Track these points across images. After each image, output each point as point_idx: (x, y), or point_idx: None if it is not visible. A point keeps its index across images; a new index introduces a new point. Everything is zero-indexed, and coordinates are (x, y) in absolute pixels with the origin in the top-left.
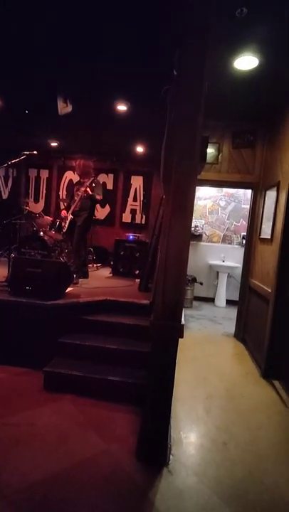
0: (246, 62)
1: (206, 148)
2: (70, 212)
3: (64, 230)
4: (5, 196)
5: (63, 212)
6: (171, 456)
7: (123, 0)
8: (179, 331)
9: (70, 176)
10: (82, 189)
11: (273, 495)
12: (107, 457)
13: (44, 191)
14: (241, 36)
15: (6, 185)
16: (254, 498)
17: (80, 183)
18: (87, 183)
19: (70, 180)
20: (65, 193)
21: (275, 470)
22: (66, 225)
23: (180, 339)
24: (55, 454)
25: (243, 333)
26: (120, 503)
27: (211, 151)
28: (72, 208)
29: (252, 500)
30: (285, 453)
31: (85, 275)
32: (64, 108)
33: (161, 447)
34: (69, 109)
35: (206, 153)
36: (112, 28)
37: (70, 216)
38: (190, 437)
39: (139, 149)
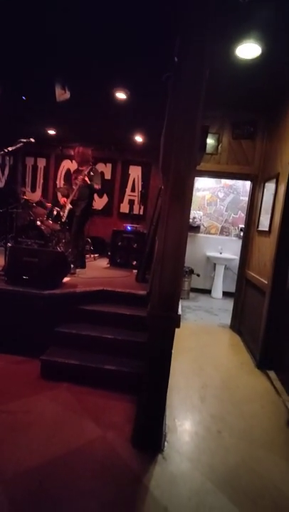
0: (248, 50)
1: (206, 138)
2: (68, 201)
3: (63, 220)
4: (1, 185)
5: (63, 200)
6: (165, 443)
7: None
8: (175, 321)
9: (68, 165)
10: (80, 177)
11: (265, 482)
12: (103, 444)
13: (41, 180)
14: (244, 23)
15: (3, 174)
16: (247, 484)
17: (78, 171)
18: (85, 172)
19: (68, 170)
20: (62, 182)
21: (268, 458)
22: (65, 215)
23: (176, 329)
24: (52, 441)
25: (238, 324)
26: (116, 488)
27: (210, 141)
28: (70, 197)
29: (244, 486)
30: (278, 442)
31: (83, 265)
32: (62, 95)
33: (156, 434)
34: (67, 95)
35: (205, 143)
36: (112, 13)
37: (69, 205)
38: (185, 425)
39: (138, 139)
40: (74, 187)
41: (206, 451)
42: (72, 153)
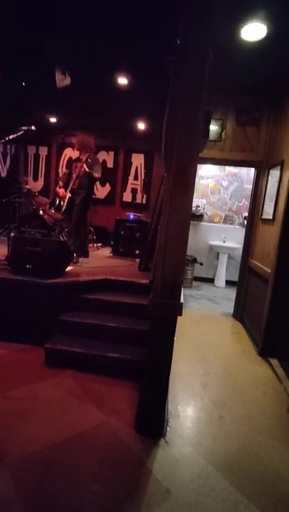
0: (254, 31)
1: (209, 124)
2: (68, 190)
3: (63, 209)
4: (3, 174)
5: (61, 191)
6: (168, 428)
7: None
8: (177, 309)
9: (70, 153)
10: (79, 165)
11: (265, 465)
12: (106, 429)
13: (43, 169)
14: (250, 0)
15: (5, 163)
16: (247, 467)
17: (78, 160)
18: (84, 159)
19: (70, 158)
20: (64, 170)
21: (269, 443)
22: (64, 204)
23: (179, 318)
24: (56, 426)
25: (241, 312)
26: (119, 471)
27: (214, 127)
28: (70, 185)
29: (245, 469)
30: (278, 427)
31: (86, 254)
32: (62, 80)
33: (158, 419)
34: (67, 81)
35: (208, 130)
36: None
37: (69, 194)
38: (187, 411)
39: (141, 126)
40: (73, 175)
41: (207, 435)
42: (74, 141)
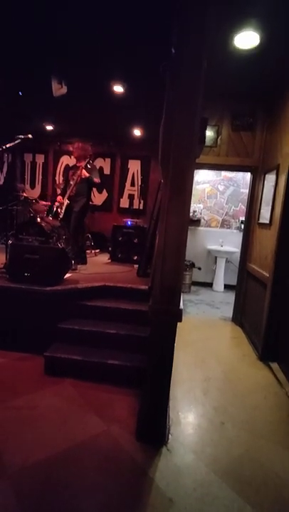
0: (247, 39)
1: (205, 130)
2: (66, 197)
3: (60, 217)
4: (0, 182)
5: (59, 198)
6: (169, 436)
7: None
8: (177, 315)
9: (67, 160)
10: (78, 172)
11: (268, 471)
12: (107, 437)
13: (40, 176)
14: (242, 10)
15: (1, 171)
16: (250, 474)
17: (75, 167)
18: (82, 165)
19: (67, 165)
20: (61, 178)
21: (271, 448)
22: (62, 211)
23: (178, 323)
24: (57, 435)
25: (240, 317)
26: (121, 480)
27: (209, 133)
28: (68, 192)
29: (248, 476)
30: (280, 432)
31: (84, 261)
32: (59, 89)
33: (159, 427)
34: (64, 90)
35: (204, 136)
36: (107, 3)
37: (67, 201)
38: (188, 417)
39: (137, 133)
40: (71, 182)
41: (209, 442)
42: (71, 148)
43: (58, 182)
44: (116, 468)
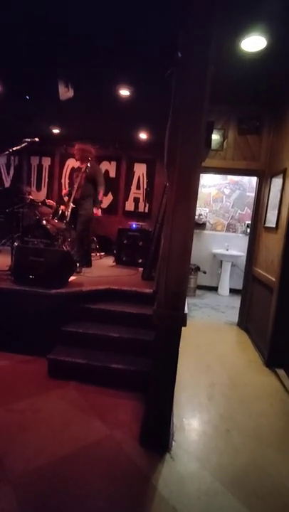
0: (254, 42)
1: (211, 134)
2: (71, 200)
3: (67, 220)
4: (7, 184)
5: (62, 207)
6: (173, 442)
7: None
8: (181, 320)
9: (72, 163)
10: (80, 175)
11: (275, 481)
12: (110, 442)
13: (46, 179)
14: (249, 15)
15: (8, 174)
16: (256, 484)
17: (79, 169)
18: (83, 168)
19: (73, 168)
20: (67, 181)
21: (278, 457)
22: (68, 214)
23: (183, 327)
24: (60, 439)
25: (246, 321)
26: (124, 487)
27: (216, 137)
28: (73, 195)
29: (254, 486)
30: (287, 441)
31: (88, 264)
32: (65, 93)
33: (163, 433)
34: (70, 94)
35: (211, 140)
36: (113, 8)
37: (72, 205)
38: (192, 424)
39: (143, 136)
40: (75, 185)
41: (214, 450)
42: (73, 151)
43: (64, 191)
44: (119, 475)
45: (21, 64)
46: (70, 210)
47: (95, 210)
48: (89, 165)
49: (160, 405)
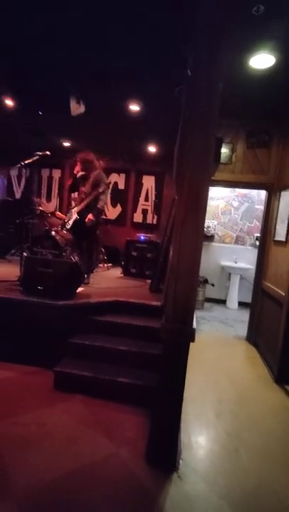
0: (262, 60)
1: (220, 149)
2: (75, 211)
3: (68, 227)
4: (18, 196)
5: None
6: (180, 461)
7: None
8: (190, 335)
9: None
10: (84, 190)
11: (286, 505)
12: (116, 460)
13: (56, 191)
14: (258, 34)
15: (19, 185)
16: (266, 507)
17: (84, 178)
18: (89, 182)
19: (74, 176)
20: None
21: (288, 479)
22: (70, 222)
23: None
24: (65, 455)
25: (255, 336)
26: (130, 507)
27: (224, 151)
28: (78, 207)
29: (264, 509)
30: None
31: (93, 266)
32: (77, 109)
33: (170, 451)
34: (82, 109)
35: (219, 155)
36: (125, 28)
37: (76, 216)
38: (200, 442)
39: (151, 149)
40: (82, 195)
41: (222, 471)
42: (76, 159)
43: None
44: (125, 495)
45: (35, 80)
46: (72, 221)
47: (90, 216)
48: (90, 178)
49: (167, 422)
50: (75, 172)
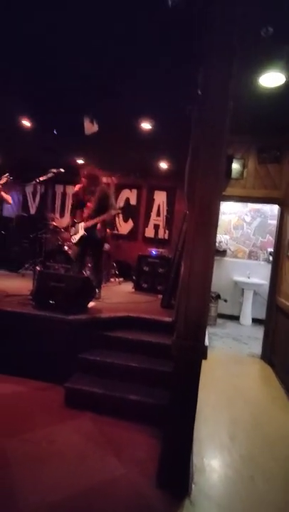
0: (272, 78)
1: (231, 166)
2: (82, 226)
3: (74, 241)
4: (33, 211)
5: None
6: (192, 485)
7: (148, 21)
8: (202, 353)
9: None
10: (91, 205)
11: None
12: (126, 482)
13: (70, 206)
14: (267, 54)
15: (34, 201)
16: None
17: (89, 192)
18: (95, 196)
19: (76, 191)
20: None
21: None
22: (76, 237)
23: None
24: (74, 475)
25: (270, 354)
26: None
27: (236, 166)
28: (85, 224)
29: None
30: None
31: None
32: (90, 128)
33: (182, 474)
34: (95, 128)
35: (230, 171)
36: (136, 48)
37: (84, 232)
38: (213, 465)
39: (163, 165)
40: (89, 211)
41: (237, 497)
42: (82, 174)
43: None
44: None
45: (50, 101)
46: (78, 236)
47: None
48: (97, 189)
49: (179, 443)
50: (77, 190)
